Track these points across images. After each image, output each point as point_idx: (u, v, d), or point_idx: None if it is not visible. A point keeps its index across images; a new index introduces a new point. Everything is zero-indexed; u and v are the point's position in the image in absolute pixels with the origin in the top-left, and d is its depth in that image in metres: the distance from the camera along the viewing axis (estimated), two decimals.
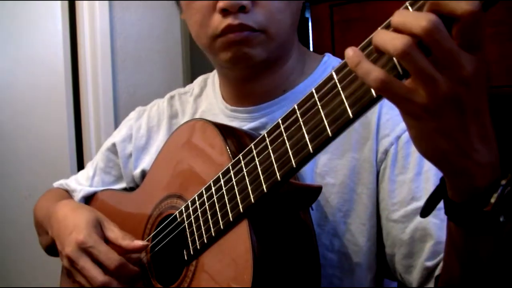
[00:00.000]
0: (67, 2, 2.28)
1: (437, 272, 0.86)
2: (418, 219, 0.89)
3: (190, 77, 2.49)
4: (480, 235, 0.65)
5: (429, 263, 0.87)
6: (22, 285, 2.40)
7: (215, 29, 0.95)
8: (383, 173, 0.94)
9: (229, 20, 0.92)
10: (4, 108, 2.51)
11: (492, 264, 0.68)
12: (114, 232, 1.02)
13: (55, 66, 2.29)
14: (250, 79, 1.01)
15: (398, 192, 0.92)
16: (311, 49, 2.37)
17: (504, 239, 0.65)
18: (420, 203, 0.89)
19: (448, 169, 0.63)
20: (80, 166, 2.28)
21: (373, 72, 0.58)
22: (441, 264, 0.84)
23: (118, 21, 2.35)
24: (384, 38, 0.57)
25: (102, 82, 2.30)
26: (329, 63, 1.06)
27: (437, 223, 0.87)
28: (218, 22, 0.94)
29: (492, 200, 0.61)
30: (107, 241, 1.02)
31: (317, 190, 0.89)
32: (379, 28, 0.61)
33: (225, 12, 0.93)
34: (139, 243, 0.99)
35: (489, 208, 0.61)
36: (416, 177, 0.91)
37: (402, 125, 0.92)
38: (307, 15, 2.37)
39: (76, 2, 2.29)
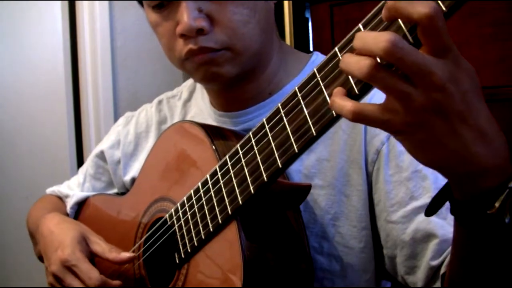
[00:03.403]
0: (67, 2, 2.28)
1: (443, 270, 0.84)
2: (419, 219, 0.88)
3: (190, 77, 2.48)
4: (486, 237, 0.64)
5: (434, 262, 0.86)
6: (22, 285, 2.40)
7: (180, 53, 0.94)
8: (377, 174, 0.92)
9: (190, 45, 0.91)
10: (4, 108, 2.52)
11: (500, 267, 0.67)
12: (100, 246, 1.02)
13: (55, 66, 2.29)
14: (232, 89, 1.00)
15: (396, 192, 0.90)
16: (312, 49, 2.36)
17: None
18: (419, 202, 0.88)
19: (450, 175, 0.63)
20: (80, 166, 2.27)
21: (345, 107, 0.60)
22: (446, 262, 0.83)
23: (118, 21, 2.35)
24: (349, 62, 0.59)
25: (102, 82, 2.30)
26: (317, 62, 1.02)
27: (439, 222, 0.86)
28: (181, 46, 0.93)
29: (497, 204, 0.60)
30: (93, 255, 1.03)
31: (306, 188, 0.89)
32: (343, 53, 0.62)
33: (184, 37, 0.91)
34: (125, 255, 0.99)
35: (493, 211, 0.60)
36: (412, 175, 0.89)
37: None
38: (307, 15, 2.36)
39: (76, 2, 2.29)
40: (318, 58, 1.04)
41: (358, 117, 0.59)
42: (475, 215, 0.62)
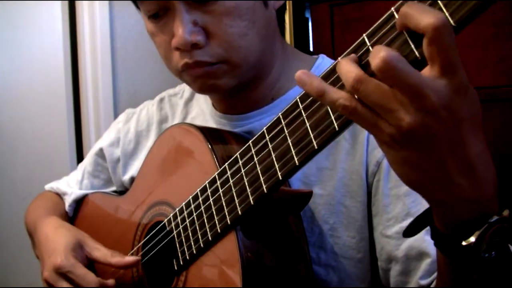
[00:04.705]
0: (67, 2, 2.27)
1: None
2: (414, 236, 0.87)
3: None
4: (465, 267, 0.63)
5: (423, 282, 0.85)
6: (22, 285, 2.39)
7: (176, 65, 0.92)
8: (377, 186, 0.91)
9: (186, 59, 0.90)
10: (4, 108, 2.51)
11: None
12: (100, 251, 1.02)
13: (55, 66, 2.29)
14: (232, 96, 0.99)
15: (393, 207, 0.89)
16: (311, 49, 2.36)
17: (497, 273, 0.63)
18: None
19: (428, 199, 0.62)
20: None
21: (338, 100, 0.58)
22: (434, 283, 0.82)
23: (118, 21, 2.34)
24: (341, 70, 0.58)
25: (102, 82, 2.29)
26: (323, 66, 1.00)
27: (432, 242, 0.86)
28: (177, 59, 0.91)
29: (472, 239, 0.59)
30: (91, 262, 1.02)
31: (308, 195, 0.88)
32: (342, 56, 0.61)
33: (180, 50, 0.90)
34: (129, 259, 0.99)
35: (470, 244, 0.59)
36: (410, 190, 0.88)
37: None
38: (307, 15, 2.36)
39: (76, 2, 2.28)
40: (324, 61, 1.02)
41: (351, 112, 0.58)
42: (452, 245, 0.62)
